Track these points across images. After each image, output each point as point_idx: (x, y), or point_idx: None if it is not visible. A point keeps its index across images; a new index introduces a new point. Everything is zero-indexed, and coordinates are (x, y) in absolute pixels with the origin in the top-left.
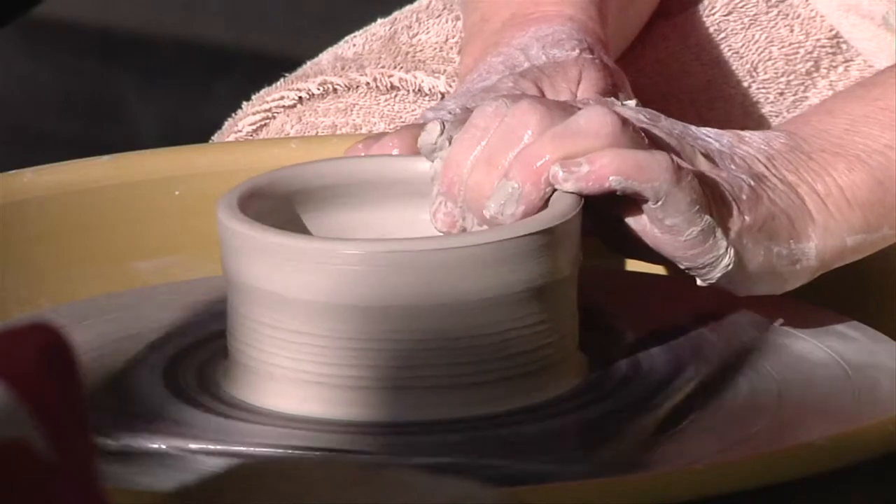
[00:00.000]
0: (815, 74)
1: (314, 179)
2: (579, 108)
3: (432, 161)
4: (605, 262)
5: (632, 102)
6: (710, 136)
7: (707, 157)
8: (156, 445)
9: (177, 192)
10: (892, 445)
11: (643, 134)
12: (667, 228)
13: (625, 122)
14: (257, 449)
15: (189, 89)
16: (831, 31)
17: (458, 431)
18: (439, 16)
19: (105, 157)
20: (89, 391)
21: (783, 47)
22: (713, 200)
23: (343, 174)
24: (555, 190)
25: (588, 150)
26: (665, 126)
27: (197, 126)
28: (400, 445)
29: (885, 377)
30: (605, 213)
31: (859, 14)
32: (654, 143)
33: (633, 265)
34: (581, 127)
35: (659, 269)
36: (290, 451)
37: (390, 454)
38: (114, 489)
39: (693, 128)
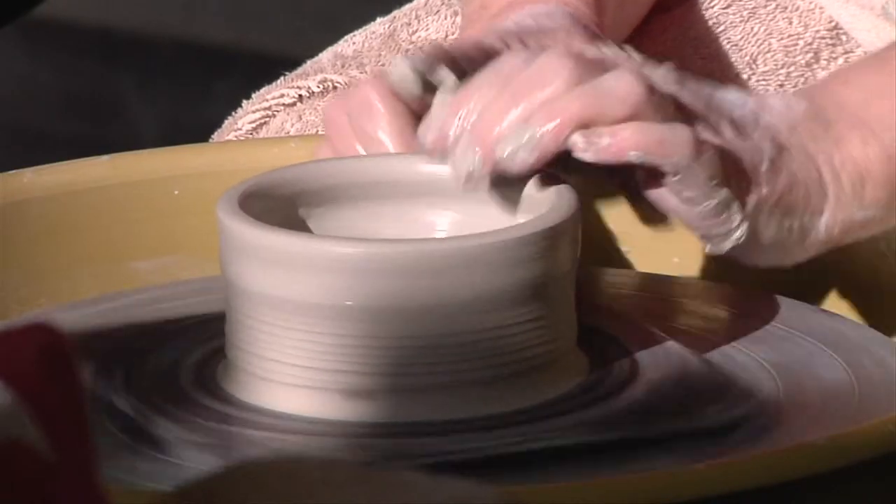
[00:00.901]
0: (815, 66)
1: (314, 180)
2: (609, 70)
3: (413, 92)
4: (604, 262)
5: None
6: (736, 101)
7: (732, 123)
8: (155, 445)
9: (176, 192)
10: (892, 445)
11: (670, 101)
12: (684, 199)
13: (652, 90)
14: (258, 449)
15: (189, 89)
16: (830, 22)
17: (457, 431)
18: (437, 12)
19: (104, 157)
20: (88, 391)
21: (782, 39)
22: (732, 173)
23: (343, 174)
24: (569, 153)
25: (613, 114)
26: (693, 88)
27: (197, 126)
28: (400, 446)
29: (885, 377)
30: (623, 175)
31: (858, 5)
32: (681, 110)
33: (634, 265)
34: (610, 89)
35: (659, 270)
36: (290, 452)
37: (390, 454)
38: (114, 489)
39: (719, 90)
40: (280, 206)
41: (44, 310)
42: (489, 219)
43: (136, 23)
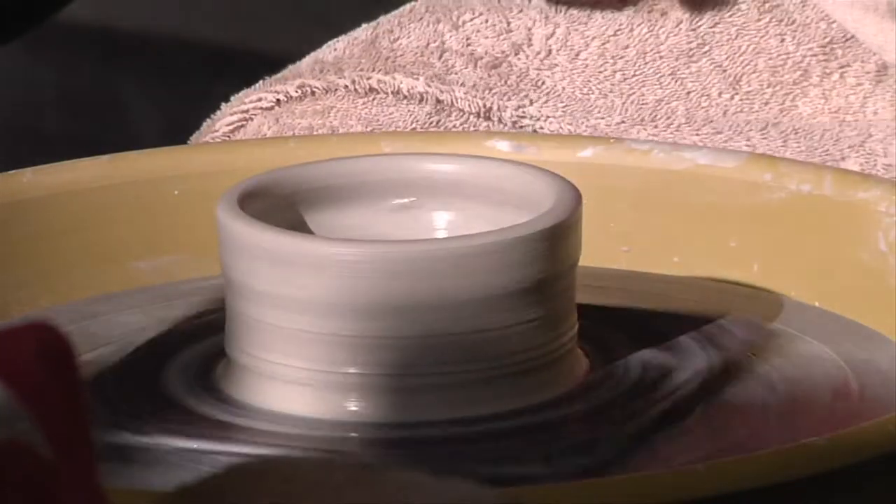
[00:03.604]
0: (804, 83)
1: (314, 179)
2: None
3: None
4: (604, 262)
5: None
6: None
7: None
8: (155, 445)
9: (176, 192)
10: (892, 445)
11: None
12: None
13: None
14: (257, 449)
15: (189, 89)
16: (825, 38)
17: (458, 431)
18: (421, 19)
19: (104, 157)
20: (89, 391)
21: (770, 59)
22: None
23: (342, 174)
24: None
25: None
26: None
27: (197, 126)
28: (400, 445)
29: (885, 377)
30: None
31: (863, 7)
32: None
33: (633, 265)
34: None
35: (659, 270)
36: (290, 452)
37: (390, 454)
38: (114, 489)
39: None
40: (280, 206)
41: (44, 310)
42: (489, 219)
43: (136, 23)
